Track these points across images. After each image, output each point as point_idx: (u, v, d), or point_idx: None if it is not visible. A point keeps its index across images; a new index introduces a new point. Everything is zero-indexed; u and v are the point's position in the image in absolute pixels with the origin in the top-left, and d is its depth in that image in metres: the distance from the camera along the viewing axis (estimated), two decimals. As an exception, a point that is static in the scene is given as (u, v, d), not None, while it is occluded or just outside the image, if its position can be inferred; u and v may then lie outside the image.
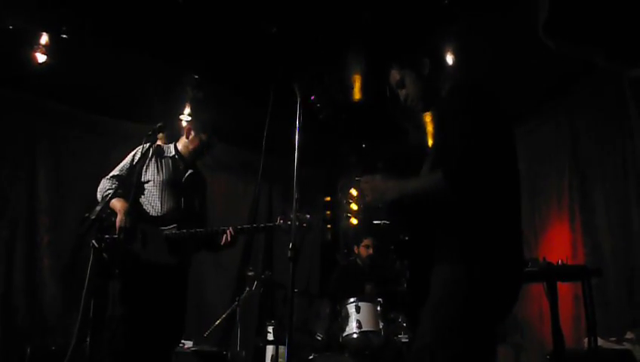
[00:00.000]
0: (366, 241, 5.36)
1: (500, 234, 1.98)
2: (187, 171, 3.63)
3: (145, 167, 3.51)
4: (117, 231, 3.24)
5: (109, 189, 3.44)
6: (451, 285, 1.94)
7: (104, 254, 2.82)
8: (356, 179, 2.33)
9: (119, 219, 3.26)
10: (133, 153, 3.57)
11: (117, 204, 3.33)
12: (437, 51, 2.32)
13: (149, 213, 3.43)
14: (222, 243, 3.39)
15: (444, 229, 2.06)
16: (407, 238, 2.24)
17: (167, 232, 3.35)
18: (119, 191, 3.34)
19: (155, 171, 3.53)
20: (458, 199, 1.96)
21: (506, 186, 2.02)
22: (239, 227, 3.44)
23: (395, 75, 2.31)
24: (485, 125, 1.98)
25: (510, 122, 2.12)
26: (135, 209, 3.38)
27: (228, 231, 3.36)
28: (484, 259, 1.93)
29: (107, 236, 3.21)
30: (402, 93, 2.31)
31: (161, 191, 3.48)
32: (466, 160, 1.90)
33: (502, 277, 1.95)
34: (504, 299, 1.99)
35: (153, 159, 3.55)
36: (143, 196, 3.47)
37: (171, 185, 3.52)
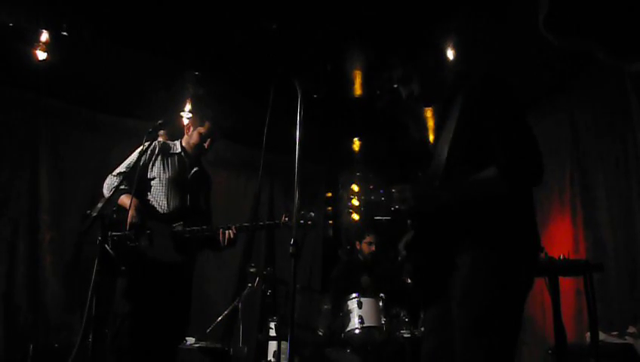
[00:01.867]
0: (368, 238, 5.35)
1: (526, 220, 2.04)
2: (193, 168, 3.63)
3: (151, 164, 3.52)
4: (128, 227, 3.24)
5: (117, 185, 3.43)
6: (488, 270, 1.93)
7: (111, 251, 2.83)
8: (357, 174, 2.33)
9: (130, 214, 3.26)
10: (139, 150, 3.55)
11: (126, 200, 3.33)
12: (439, 44, 2.29)
13: (155, 210, 3.43)
14: (225, 243, 3.38)
15: (471, 219, 2.01)
16: (412, 234, 2.20)
17: (173, 230, 3.35)
18: (125, 187, 3.34)
19: (162, 168, 3.53)
20: (517, 191, 1.98)
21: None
22: (244, 225, 3.44)
23: (398, 71, 2.27)
24: (523, 118, 2.01)
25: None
26: (144, 206, 3.39)
27: (230, 231, 3.36)
28: (511, 246, 1.95)
29: (114, 233, 3.22)
30: (406, 88, 2.27)
31: (167, 188, 3.48)
32: (522, 156, 1.92)
33: (529, 260, 2.00)
34: (530, 280, 2.02)
35: (159, 156, 3.56)
36: (149, 193, 3.48)
37: (177, 183, 3.52)
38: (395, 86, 2.28)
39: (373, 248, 5.30)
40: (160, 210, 3.44)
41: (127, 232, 3.24)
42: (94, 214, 2.86)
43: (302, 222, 3.26)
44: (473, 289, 1.94)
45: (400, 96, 2.29)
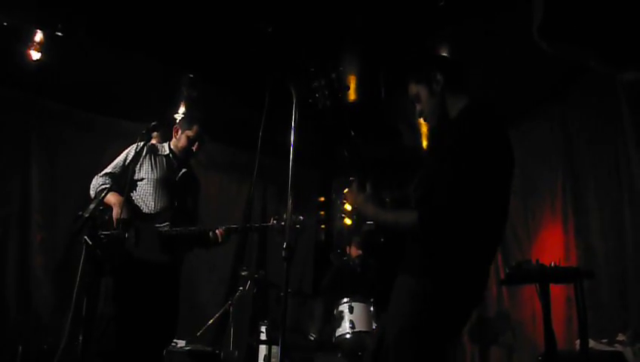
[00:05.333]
0: (356, 242, 5.37)
1: (461, 256, 2.08)
2: (181, 170, 3.63)
3: (139, 165, 3.51)
4: (114, 223, 3.23)
5: (102, 185, 3.44)
6: (413, 296, 2.07)
7: (97, 251, 2.81)
8: (350, 179, 2.35)
9: (115, 211, 3.26)
10: (126, 151, 3.57)
11: (112, 198, 3.33)
12: (451, 67, 2.34)
13: (142, 211, 3.43)
14: (214, 242, 3.39)
15: (412, 246, 2.17)
16: (382, 241, 2.34)
17: (160, 230, 3.35)
18: (113, 188, 3.33)
19: (149, 169, 3.53)
20: (428, 238, 2.09)
21: (478, 223, 2.09)
22: (232, 227, 3.44)
23: (412, 89, 2.37)
24: (476, 174, 2.03)
25: (510, 147, 2.18)
26: (130, 205, 3.38)
27: (217, 232, 3.36)
28: (444, 276, 2.06)
29: (100, 233, 3.20)
30: (418, 106, 2.37)
31: (155, 189, 3.48)
32: (443, 214, 2.02)
33: (458, 292, 2.08)
34: (459, 311, 2.14)
35: (147, 157, 3.55)
36: (136, 194, 3.47)
37: (165, 184, 3.52)
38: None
39: (360, 252, 5.30)
40: (146, 209, 3.43)
41: (113, 231, 3.23)
42: (86, 215, 2.85)
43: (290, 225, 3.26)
44: (399, 310, 2.11)
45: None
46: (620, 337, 3.80)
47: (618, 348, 3.73)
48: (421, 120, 2.42)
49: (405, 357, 2.03)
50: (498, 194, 2.15)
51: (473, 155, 2.03)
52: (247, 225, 3.69)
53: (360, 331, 4.24)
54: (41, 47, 4.66)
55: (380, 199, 2.31)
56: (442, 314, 2.06)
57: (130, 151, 3.52)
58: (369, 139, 6.48)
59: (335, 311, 4.38)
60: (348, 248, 5.47)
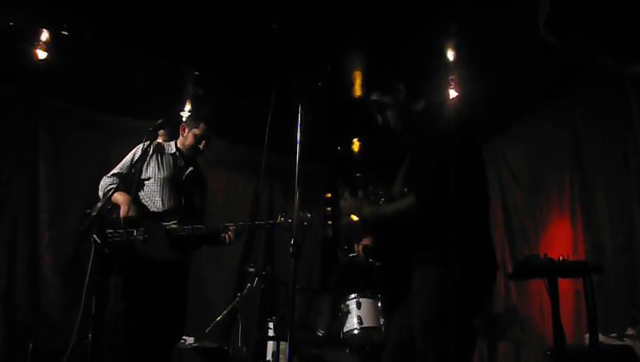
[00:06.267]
0: (365, 240, 5.35)
1: (473, 240, 2.30)
2: (188, 169, 3.64)
3: (146, 165, 3.52)
4: (122, 222, 3.25)
5: (110, 185, 3.46)
6: (439, 286, 2.21)
7: (105, 249, 2.83)
8: (356, 175, 2.40)
9: (123, 210, 3.28)
10: (133, 151, 3.58)
11: (119, 197, 3.35)
12: (410, 76, 2.61)
13: (149, 210, 3.44)
14: (223, 241, 3.40)
15: (425, 237, 2.33)
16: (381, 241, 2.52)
17: (168, 228, 3.36)
18: (121, 187, 3.35)
19: (156, 168, 3.54)
20: (428, 218, 2.28)
21: (475, 204, 2.36)
22: (240, 224, 3.45)
23: (375, 100, 2.62)
24: (452, 158, 2.26)
25: (478, 146, 2.49)
26: (137, 204, 3.39)
27: (227, 234, 3.38)
28: (463, 263, 2.20)
29: (109, 231, 3.22)
30: (382, 116, 2.62)
31: (162, 188, 3.49)
32: (437, 189, 2.24)
33: (479, 276, 2.27)
34: (482, 294, 2.34)
35: (154, 156, 3.56)
36: (143, 193, 3.48)
37: (172, 183, 3.53)
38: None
39: (367, 242, 5.28)
40: (153, 208, 3.45)
41: (121, 230, 3.25)
42: (94, 213, 2.87)
43: (298, 222, 3.27)
44: (422, 300, 2.25)
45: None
46: (630, 331, 3.78)
47: (627, 342, 3.71)
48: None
49: (439, 342, 2.12)
50: (478, 177, 2.42)
51: (447, 142, 2.30)
52: (255, 222, 3.69)
53: (368, 327, 4.24)
54: (47, 46, 4.68)
55: (371, 198, 2.53)
56: (470, 297, 2.20)
57: (137, 151, 3.53)
58: (370, 135, 6.50)
59: (343, 307, 4.38)
60: (356, 245, 5.47)
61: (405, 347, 2.29)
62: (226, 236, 3.40)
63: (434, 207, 2.25)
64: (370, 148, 6.73)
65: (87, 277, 2.57)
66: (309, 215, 3.29)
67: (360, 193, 2.51)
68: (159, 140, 3.68)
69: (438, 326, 2.15)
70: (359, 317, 4.26)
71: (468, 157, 2.37)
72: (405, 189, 2.43)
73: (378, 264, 5.22)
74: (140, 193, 3.47)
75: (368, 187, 2.54)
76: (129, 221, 3.24)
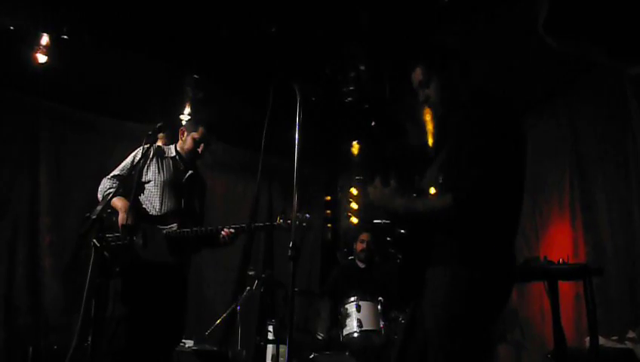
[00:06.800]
0: (361, 236, 5.35)
1: (497, 241, 2.13)
2: (187, 172, 3.64)
3: (146, 168, 3.53)
4: (120, 229, 3.25)
5: (109, 189, 3.46)
6: (455, 286, 2.07)
7: (105, 253, 2.82)
8: (357, 178, 2.36)
9: (121, 216, 3.28)
10: (134, 153, 3.58)
11: (118, 202, 3.35)
12: (465, 59, 2.34)
13: (149, 213, 3.44)
14: (222, 241, 3.39)
15: (445, 235, 2.16)
16: (403, 233, 2.32)
17: (166, 231, 3.36)
18: (120, 190, 3.34)
19: (156, 171, 3.54)
20: (464, 221, 2.08)
21: (508, 202, 2.16)
22: (238, 226, 3.44)
23: (418, 74, 2.33)
24: (499, 149, 2.08)
25: (523, 133, 2.25)
26: (136, 208, 3.39)
27: (224, 232, 3.36)
28: (482, 263, 2.07)
29: (108, 235, 3.22)
30: (423, 93, 2.34)
31: (162, 191, 3.49)
32: (477, 191, 2.02)
33: (498, 279, 2.11)
34: (500, 298, 2.16)
35: (154, 159, 3.56)
36: (143, 196, 3.48)
37: (172, 186, 3.53)
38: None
39: (364, 246, 5.28)
40: (153, 211, 3.45)
41: (119, 236, 3.25)
42: (94, 217, 2.86)
43: (297, 223, 3.26)
44: (438, 300, 2.11)
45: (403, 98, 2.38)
46: (631, 334, 3.78)
47: (628, 345, 3.71)
48: (426, 108, 2.43)
49: (453, 345, 2.03)
50: (520, 172, 2.23)
51: (493, 135, 2.08)
52: (254, 224, 3.68)
53: (367, 330, 4.24)
54: (47, 50, 4.68)
55: (404, 192, 2.27)
56: (487, 300, 2.08)
57: (137, 153, 3.53)
58: (375, 136, 6.49)
59: (342, 310, 4.38)
60: (354, 244, 5.47)
61: (416, 347, 2.19)
62: (224, 233, 3.38)
63: (471, 210, 2.04)
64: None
65: (88, 280, 2.57)
66: (308, 216, 3.28)
67: (393, 182, 2.25)
68: (159, 143, 3.69)
69: (451, 328, 2.05)
70: (359, 320, 4.25)
71: (513, 150, 2.18)
72: (440, 179, 2.18)
73: (378, 263, 5.21)
74: (139, 196, 3.47)
75: (405, 177, 2.37)
76: (127, 228, 3.24)
